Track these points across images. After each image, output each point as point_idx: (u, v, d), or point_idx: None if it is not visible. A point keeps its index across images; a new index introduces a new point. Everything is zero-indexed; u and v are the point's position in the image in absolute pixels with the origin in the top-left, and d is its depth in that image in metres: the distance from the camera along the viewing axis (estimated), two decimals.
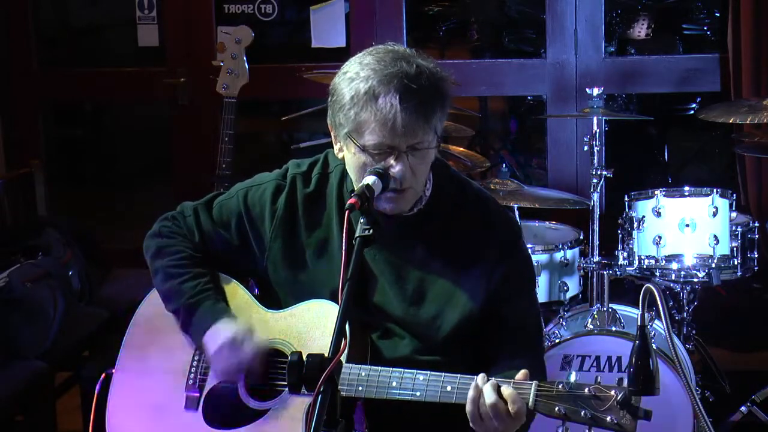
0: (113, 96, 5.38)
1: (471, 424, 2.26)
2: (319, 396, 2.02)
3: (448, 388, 2.28)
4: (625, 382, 2.14)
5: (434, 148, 2.40)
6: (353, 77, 2.38)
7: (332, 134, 2.49)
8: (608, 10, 4.97)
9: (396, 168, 2.35)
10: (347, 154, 2.44)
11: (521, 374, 2.26)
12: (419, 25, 5.54)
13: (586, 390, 2.17)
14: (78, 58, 6.10)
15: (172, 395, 2.57)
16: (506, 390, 2.22)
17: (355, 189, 2.37)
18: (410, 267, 2.48)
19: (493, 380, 2.24)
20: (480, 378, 2.25)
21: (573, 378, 2.21)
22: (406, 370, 2.33)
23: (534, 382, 2.22)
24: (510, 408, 2.20)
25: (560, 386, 2.19)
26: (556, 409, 2.18)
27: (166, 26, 5.13)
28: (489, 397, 2.22)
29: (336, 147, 2.49)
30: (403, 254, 2.49)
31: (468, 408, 2.24)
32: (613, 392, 2.15)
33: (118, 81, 5.27)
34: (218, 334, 2.51)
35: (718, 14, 5.61)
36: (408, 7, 4.98)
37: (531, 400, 2.21)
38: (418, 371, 2.31)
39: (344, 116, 2.39)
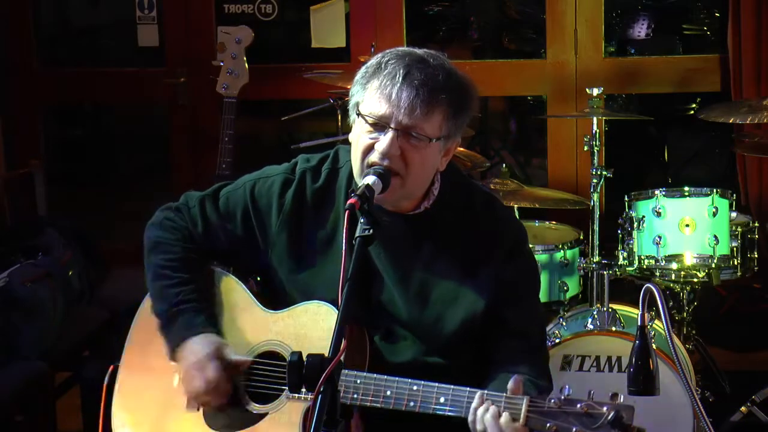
0: (113, 96, 5.38)
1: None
2: (319, 396, 2.02)
3: (442, 400, 2.27)
4: (620, 398, 2.12)
5: (432, 142, 2.37)
6: (375, 57, 2.42)
7: (350, 118, 2.49)
8: (608, 10, 4.96)
9: (383, 142, 2.35)
10: (354, 130, 2.44)
11: (513, 382, 2.23)
12: (419, 25, 5.53)
13: (578, 406, 2.14)
14: (78, 58, 6.10)
15: (174, 395, 2.57)
16: (503, 420, 2.20)
17: (353, 170, 2.41)
18: (415, 267, 2.48)
19: (491, 406, 2.22)
20: (477, 400, 2.24)
21: (566, 392, 2.19)
22: (400, 379, 2.31)
23: (526, 398, 2.20)
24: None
25: (552, 402, 2.17)
26: (548, 425, 2.16)
27: (166, 26, 5.12)
28: (491, 427, 2.20)
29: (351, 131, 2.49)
30: (408, 254, 2.48)
31: (470, 418, 2.23)
32: (605, 409, 2.12)
33: (118, 81, 5.26)
34: (188, 353, 2.50)
35: (718, 14, 5.60)
36: (408, 7, 4.98)
37: (522, 415, 2.19)
38: (413, 381, 2.30)
39: (356, 88, 2.41)
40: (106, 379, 2.65)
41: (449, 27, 6.26)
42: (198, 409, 2.53)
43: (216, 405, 2.49)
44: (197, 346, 2.50)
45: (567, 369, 3.60)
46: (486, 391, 2.25)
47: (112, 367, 2.66)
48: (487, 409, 2.22)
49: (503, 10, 6.24)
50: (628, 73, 4.96)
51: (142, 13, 5.14)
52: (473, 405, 2.23)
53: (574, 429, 2.13)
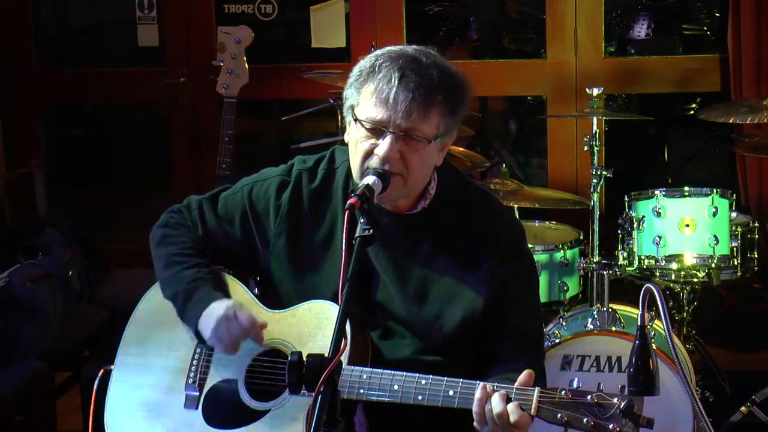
0: (113, 96, 5.38)
1: (475, 425, 2.26)
2: (319, 396, 2.02)
3: (450, 393, 2.28)
4: (627, 390, 2.13)
5: (431, 143, 2.38)
6: (367, 58, 2.42)
7: (345, 120, 2.49)
8: (608, 10, 4.96)
9: (382, 147, 2.35)
10: (349, 132, 2.44)
11: (525, 374, 2.25)
12: (419, 25, 5.53)
13: (589, 397, 2.16)
14: (78, 58, 6.09)
15: (172, 393, 2.57)
16: (511, 405, 2.22)
17: (353, 174, 2.42)
18: (413, 266, 2.48)
19: (502, 391, 2.24)
20: (480, 391, 2.25)
21: (576, 385, 2.21)
22: (408, 374, 2.32)
23: (537, 389, 2.22)
24: (511, 419, 2.21)
25: (563, 393, 2.19)
26: (559, 415, 2.18)
27: (166, 26, 5.13)
28: (497, 406, 2.22)
29: (346, 132, 2.49)
30: (406, 253, 2.49)
31: (474, 408, 2.24)
32: (615, 400, 2.14)
33: (118, 81, 5.26)
34: (212, 315, 2.49)
35: (718, 14, 5.60)
36: (408, 7, 4.98)
37: (534, 406, 2.21)
38: (421, 375, 2.31)
39: (351, 91, 2.41)
40: (96, 383, 2.66)
41: (449, 27, 6.26)
42: (201, 397, 2.52)
43: (258, 340, 2.49)
44: (222, 304, 2.50)
45: (567, 369, 3.60)
46: (496, 384, 2.26)
47: (102, 371, 2.67)
48: (492, 394, 2.23)
49: (503, 10, 6.24)
50: (628, 73, 4.96)
51: (142, 13, 5.15)
52: (477, 395, 2.24)
53: (585, 419, 2.15)
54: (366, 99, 2.37)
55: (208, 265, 2.62)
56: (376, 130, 2.36)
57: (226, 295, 2.59)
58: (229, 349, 2.51)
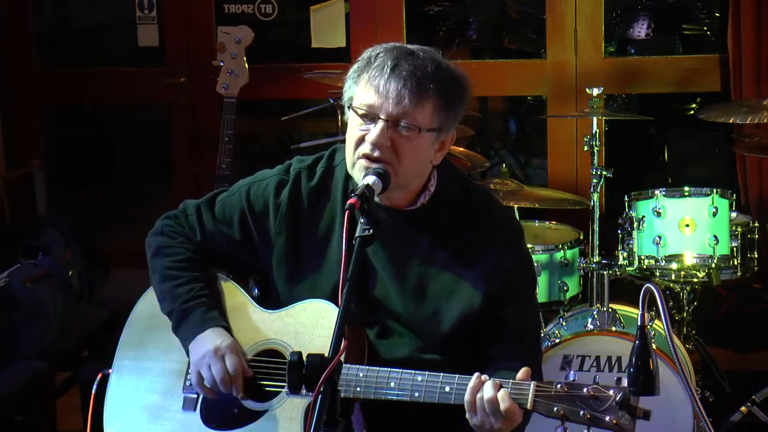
0: (113, 96, 5.38)
1: (467, 415, 2.26)
2: (319, 396, 2.02)
3: (447, 389, 2.28)
4: (624, 382, 2.14)
5: (422, 132, 2.38)
6: (366, 51, 2.44)
7: (345, 116, 2.51)
8: (608, 10, 4.96)
9: (373, 132, 2.36)
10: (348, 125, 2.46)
11: (523, 372, 2.26)
12: (419, 25, 5.53)
13: (585, 390, 2.17)
14: (78, 58, 6.09)
15: (170, 396, 2.57)
16: (501, 390, 2.23)
17: (347, 164, 2.43)
18: (411, 263, 2.48)
19: (496, 380, 2.25)
20: (474, 380, 2.26)
21: (571, 378, 2.22)
22: (404, 371, 2.33)
23: (533, 383, 2.23)
24: (501, 406, 2.21)
25: (559, 386, 2.20)
26: (555, 409, 2.19)
27: (166, 26, 5.13)
28: (488, 391, 2.23)
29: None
30: (404, 250, 2.49)
31: (466, 397, 2.25)
32: (611, 392, 2.15)
33: (118, 81, 5.26)
34: (203, 344, 2.51)
35: (718, 14, 5.60)
36: (408, 7, 4.98)
37: (530, 400, 2.21)
38: (417, 372, 2.32)
39: (349, 83, 2.44)
40: (95, 387, 2.66)
41: (449, 27, 6.25)
42: (199, 399, 2.52)
43: (232, 394, 2.49)
44: (216, 337, 2.51)
45: (567, 369, 3.60)
46: (492, 379, 2.26)
47: (101, 374, 2.67)
48: (483, 382, 2.24)
49: (503, 10, 6.23)
50: (628, 73, 4.96)
51: (142, 13, 5.14)
52: (471, 384, 2.25)
53: (581, 412, 2.15)
54: (361, 87, 2.40)
55: (204, 278, 2.61)
56: (369, 116, 2.38)
57: (222, 312, 2.58)
58: (202, 389, 2.51)
